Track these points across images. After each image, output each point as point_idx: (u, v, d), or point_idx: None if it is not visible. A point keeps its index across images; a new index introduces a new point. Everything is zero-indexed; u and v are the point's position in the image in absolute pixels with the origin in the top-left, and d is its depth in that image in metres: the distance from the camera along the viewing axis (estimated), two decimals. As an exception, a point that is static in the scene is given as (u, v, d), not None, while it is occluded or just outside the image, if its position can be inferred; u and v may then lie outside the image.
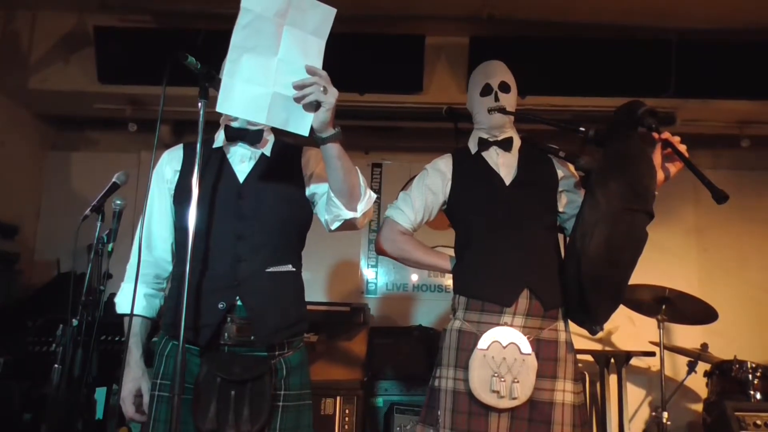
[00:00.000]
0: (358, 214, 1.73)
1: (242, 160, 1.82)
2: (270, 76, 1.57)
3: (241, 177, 1.80)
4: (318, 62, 1.61)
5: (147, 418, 1.75)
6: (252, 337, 1.71)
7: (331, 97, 1.57)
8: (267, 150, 1.85)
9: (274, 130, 1.85)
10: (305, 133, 1.61)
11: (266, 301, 1.74)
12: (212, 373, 1.66)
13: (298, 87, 1.57)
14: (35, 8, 4.05)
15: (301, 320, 1.84)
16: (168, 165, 1.86)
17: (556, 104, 3.91)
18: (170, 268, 1.86)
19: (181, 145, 1.90)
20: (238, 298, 1.71)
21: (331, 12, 1.61)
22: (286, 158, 1.87)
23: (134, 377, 1.78)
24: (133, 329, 1.79)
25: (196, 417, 1.63)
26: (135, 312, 1.79)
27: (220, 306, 1.69)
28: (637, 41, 3.85)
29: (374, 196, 1.79)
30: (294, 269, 1.84)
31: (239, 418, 1.64)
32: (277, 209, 1.79)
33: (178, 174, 1.83)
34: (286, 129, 1.61)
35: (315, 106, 1.58)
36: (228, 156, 1.83)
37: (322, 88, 1.56)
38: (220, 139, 1.84)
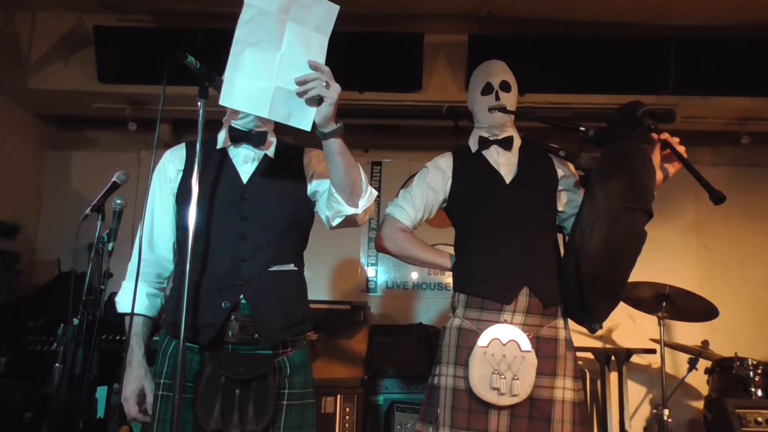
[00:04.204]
0: (359, 210, 1.74)
1: (245, 161, 1.82)
2: (273, 71, 1.58)
3: (245, 178, 1.80)
4: (321, 58, 1.62)
5: (151, 419, 1.74)
6: (256, 335, 1.71)
7: (333, 92, 1.58)
8: (270, 151, 1.85)
9: (275, 128, 1.86)
10: (307, 128, 1.62)
11: (270, 300, 1.74)
12: (217, 372, 1.67)
13: (301, 82, 1.58)
14: (35, 8, 4.05)
15: (305, 319, 1.85)
16: (171, 164, 1.86)
17: (555, 102, 3.91)
18: (172, 267, 1.86)
19: (183, 144, 1.90)
20: (242, 296, 1.72)
21: (333, 8, 1.62)
22: (289, 159, 1.88)
23: (137, 377, 1.77)
24: (135, 328, 1.79)
25: (201, 416, 1.64)
26: (138, 311, 1.80)
27: (223, 305, 1.70)
28: (636, 38, 3.84)
29: (375, 192, 1.79)
30: (296, 268, 1.84)
31: (244, 417, 1.65)
32: (280, 210, 1.80)
33: (181, 173, 1.83)
34: (288, 124, 1.62)
35: (317, 101, 1.59)
36: (231, 157, 1.83)
37: (324, 83, 1.57)
38: (222, 139, 1.84)
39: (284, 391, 1.74)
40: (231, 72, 1.54)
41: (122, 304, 1.82)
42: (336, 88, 1.58)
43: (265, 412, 1.67)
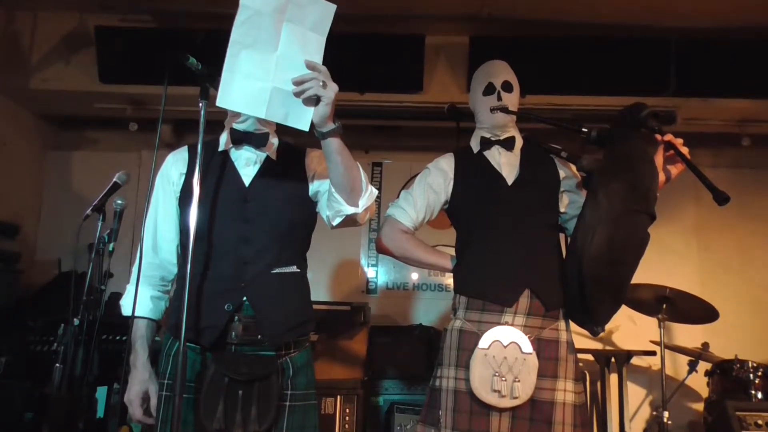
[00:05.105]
0: (359, 210, 1.73)
1: (247, 164, 1.82)
2: (269, 71, 1.57)
3: (247, 180, 1.80)
4: (318, 58, 1.61)
5: (156, 420, 1.74)
6: (259, 336, 1.72)
7: (330, 91, 1.57)
8: (272, 153, 1.85)
9: (276, 129, 1.85)
10: (305, 128, 1.61)
11: (273, 301, 1.75)
12: (220, 373, 1.67)
13: (298, 82, 1.57)
14: (36, 8, 4.05)
15: (308, 320, 1.85)
16: (173, 167, 1.86)
17: (556, 103, 3.91)
18: (176, 270, 1.87)
19: (185, 147, 1.90)
20: (245, 298, 1.72)
21: (330, 8, 1.62)
22: (291, 161, 1.88)
23: (141, 379, 1.77)
24: (140, 331, 1.80)
25: (204, 417, 1.64)
26: (142, 314, 1.81)
27: (226, 308, 1.70)
28: (637, 40, 3.85)
29: (376, 191, 1.78)
30: (299, 270, 1.84)
31: (247, 417, 1.66)
32: (283, 213, 1.80)
33: (183, 177, 1.83)
34: (286, 124, 1.62)
35: (315, 101, 1.58)
36: (233, 159, 1.83)
37: (321, 83, 1.56)
38: (224, 141, 1.84)
39: (287, 392, 1.75)
40: (228, 74, 1.54)
41: (127, 307, 1.82)
42: (333, 88, 1.58)
43: (267, 412, 1.67)
